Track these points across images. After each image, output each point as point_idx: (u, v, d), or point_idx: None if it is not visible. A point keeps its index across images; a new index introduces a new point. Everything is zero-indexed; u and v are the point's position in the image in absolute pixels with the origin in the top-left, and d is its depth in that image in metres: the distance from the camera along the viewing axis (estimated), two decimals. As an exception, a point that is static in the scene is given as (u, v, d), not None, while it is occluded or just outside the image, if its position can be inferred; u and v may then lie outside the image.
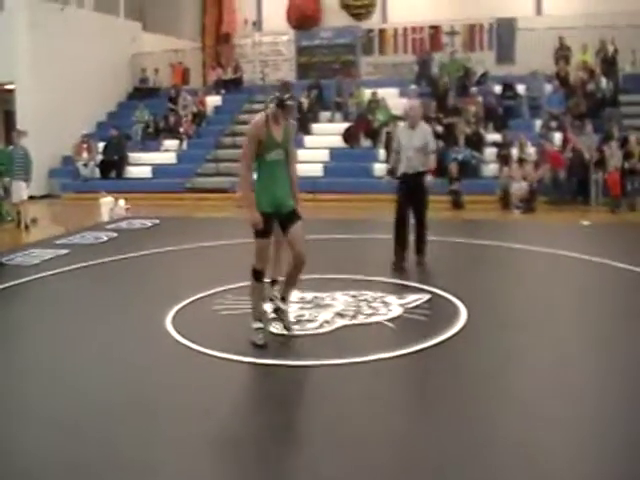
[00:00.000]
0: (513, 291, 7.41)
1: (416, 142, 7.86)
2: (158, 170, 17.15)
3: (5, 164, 11.56)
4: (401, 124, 8.92)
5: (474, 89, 16.22)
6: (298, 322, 5.90)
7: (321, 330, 5.78)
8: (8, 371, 5.31)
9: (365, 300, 6.54)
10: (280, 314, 5.80)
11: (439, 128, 14.55)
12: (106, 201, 13.18)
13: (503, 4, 19.13)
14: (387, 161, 11.10)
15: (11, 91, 17.51)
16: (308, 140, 16.57)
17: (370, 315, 6.13)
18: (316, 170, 15.50)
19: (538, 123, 15.26)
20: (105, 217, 12.87)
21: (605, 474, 3.58)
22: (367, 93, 16.82)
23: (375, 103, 16.40)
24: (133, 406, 4.50)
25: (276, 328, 5.81)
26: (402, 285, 7.20)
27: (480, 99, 15.74)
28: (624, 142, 13.30)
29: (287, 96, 5.44)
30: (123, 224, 12.01)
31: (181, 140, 17.75)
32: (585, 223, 11.33)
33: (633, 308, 6.39)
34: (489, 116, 15.54)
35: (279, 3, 21.39)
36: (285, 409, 4.51)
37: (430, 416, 4.34)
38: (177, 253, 9.36)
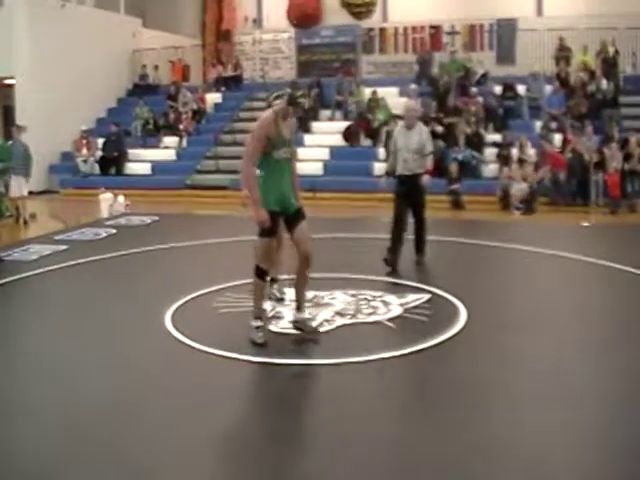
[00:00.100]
0: (513, 292, 7.41)
1: (413, 144, 7.83)
2: (157, 167, 17.15)
3: (5, 159, 11.53)
4: (399, 124, 8.89)
5: (474, 89, 16.21)
6: (297, 321, 5.88)
7: (321, 329, 5.77)
8: (5, 368, 5.29)
9: (365, 299, 6.54)
10: (300, 325, 5.60)
11: (439, 128, 14.54)
12: (105, 197, 13.16)
13: (504, 5, 19.14)
14: (386, 160, 11.07)
15: (11, 86, 17.49)
16: (308, 138, 16.54)
17: (370, 314, 6.13)
18: (316, 168, 15.51)
19: (538, 124, 15.23)
20: (104, 213, 12.85)
21: (605, 476, 3.58)
22: (367, 92, 16.82)
23: (375, 102, 16.39)
24: (132, 404, 4.48)
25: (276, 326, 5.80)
26: (402, 285, 7.19)
27: (480, 99, 15.72)
28: (624, 143, 13.30)
29: (299, 93, 5.40)
30: (122, 220, 11.99)
31: (181, 137, 17.71)
32: (585, 224, 11.33)
33: (633, 310, 6.39)
34: (489, 116, 15.51)
35: (280, 1, 21.36)
36: (284, 408, 4.50)
37: (430, 416, 4.33)
38: (176, 250, 9.34)
